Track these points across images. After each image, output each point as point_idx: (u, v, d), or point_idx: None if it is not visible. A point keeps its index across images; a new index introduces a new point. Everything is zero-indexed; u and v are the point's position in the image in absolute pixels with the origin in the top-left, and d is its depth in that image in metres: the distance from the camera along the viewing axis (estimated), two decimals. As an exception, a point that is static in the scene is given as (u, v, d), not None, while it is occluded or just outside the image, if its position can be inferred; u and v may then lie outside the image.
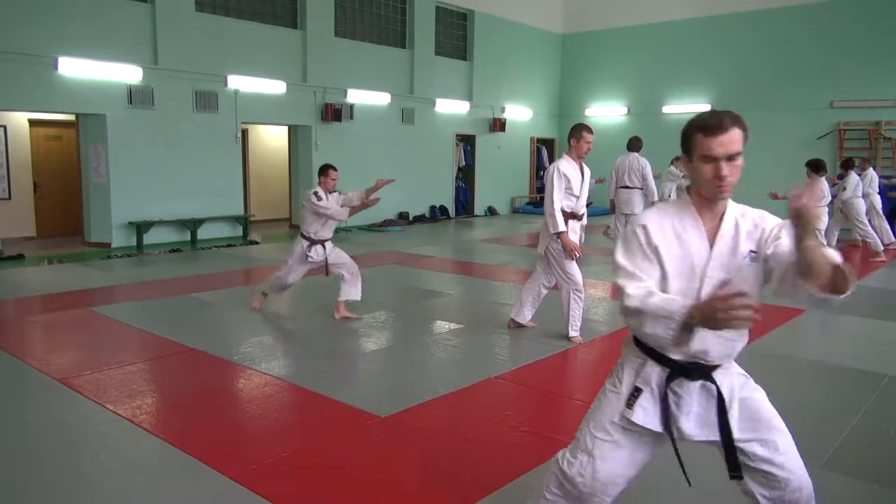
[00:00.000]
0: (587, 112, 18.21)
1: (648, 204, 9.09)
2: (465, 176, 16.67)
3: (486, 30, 16.38)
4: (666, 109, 16.77)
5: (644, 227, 1.98)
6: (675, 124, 19.15)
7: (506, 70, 17.09)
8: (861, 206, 10.19)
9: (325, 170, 5.94)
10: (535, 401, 4.19)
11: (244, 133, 13.15)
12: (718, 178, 1.90)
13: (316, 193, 5.87)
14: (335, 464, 3.20)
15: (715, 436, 2.02)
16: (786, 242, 1.90)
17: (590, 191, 5.50)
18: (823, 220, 8.31)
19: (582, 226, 5.39)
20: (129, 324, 5.76)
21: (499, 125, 16.81)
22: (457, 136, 16.12)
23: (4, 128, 10.70)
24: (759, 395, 2.08)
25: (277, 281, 6.17)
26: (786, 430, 2.05)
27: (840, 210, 10.31)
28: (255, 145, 14.59)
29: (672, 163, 14.05)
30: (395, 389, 4.29)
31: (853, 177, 10.09)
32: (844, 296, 1.81)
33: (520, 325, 5.65)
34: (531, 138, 18.31)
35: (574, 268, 5.24)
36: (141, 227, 10.39)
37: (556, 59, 18.82)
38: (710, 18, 15.98)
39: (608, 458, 2.07)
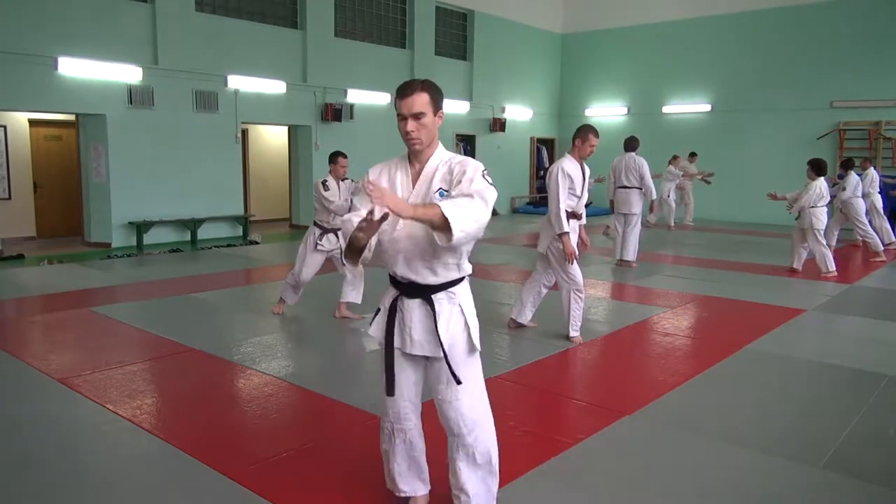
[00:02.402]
0: (587, 112, 18.21)
1: (647, 203, 9.10)
2: (465, 176, 16.65)
3: (486, 30, 16.39)
4: (666, 110, 16.74)
5: (367, 177, 2.53)
6: (676, 124, 19.23)
7: (506, 70, 17.09)
8: (860, 206, 10.19)
9: (334, 157, 5.75)
10: (535, 401, 4.18)
11: (244, 133, 13.16)
12: (406, 132, 2.36)
13: (325, 183, 5.68)
14: (335, 464, 3.21)
15: (433, 352, 2.45)
16: (464, 185, 2.31)
17: (589, 191, 5.51)
18: (822, 220, 8.31)
19: (581, 225, 5.40)
20: (129, 324, 5.76)
21: (499, 125, 16.81)
22: (457, 136, 16.11)
23: (4, 128, 10.71)
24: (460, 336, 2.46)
25: (293, 278, 5.97)
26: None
27: (840, 210, 10.32)
28: (255, 145, 14.59)
29: (670, 162, 14.08)
30: (395, 389, 4.28)
31: (853, 177, 10.09)
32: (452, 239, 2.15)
33: (520, 325, 5.65)
34: (531, 138, 18.31)
35: (575, 268, 5.24)
36: (141, 227, 10.40)
37: (556, 59, 18.82)
38: (711, 18, 15.98)
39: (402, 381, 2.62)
